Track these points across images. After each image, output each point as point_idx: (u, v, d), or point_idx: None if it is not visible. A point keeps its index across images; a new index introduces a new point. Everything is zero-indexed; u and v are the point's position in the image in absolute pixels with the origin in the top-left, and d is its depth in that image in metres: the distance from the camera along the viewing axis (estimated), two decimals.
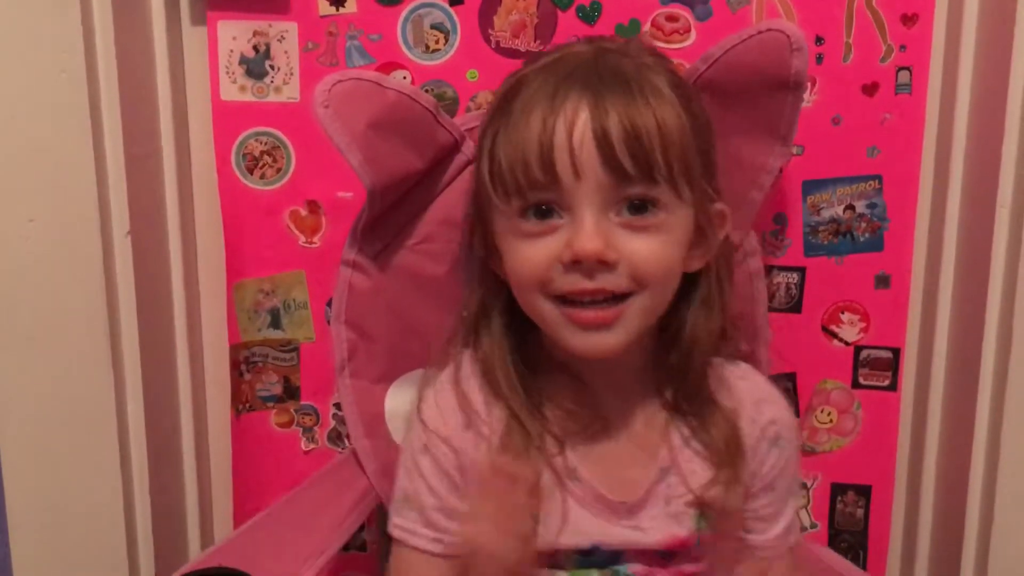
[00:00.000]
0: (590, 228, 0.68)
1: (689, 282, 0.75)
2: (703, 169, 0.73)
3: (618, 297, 0.70)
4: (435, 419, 0.77)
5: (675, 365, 0.77)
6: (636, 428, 0.77)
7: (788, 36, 0.82)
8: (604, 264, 0.68)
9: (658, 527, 0.75)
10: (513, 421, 0.75)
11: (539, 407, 0.76)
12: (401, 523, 0.77)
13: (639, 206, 0.70)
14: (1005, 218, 0.92)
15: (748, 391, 0.79)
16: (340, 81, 0.83)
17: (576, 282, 0.69)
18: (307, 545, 0.87)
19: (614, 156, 0.68)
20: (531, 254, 0.70)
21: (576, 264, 0.68)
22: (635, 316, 0.71)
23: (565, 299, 0.70)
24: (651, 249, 0.70)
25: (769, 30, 0.84)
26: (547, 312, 0.72)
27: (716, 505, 0.74)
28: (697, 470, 0.75)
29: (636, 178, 0.68)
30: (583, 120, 0.68)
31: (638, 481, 0.75)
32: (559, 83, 0.70)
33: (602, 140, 0.67)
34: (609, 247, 0.68)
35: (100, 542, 1.00)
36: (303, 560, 0.84)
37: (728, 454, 0.75)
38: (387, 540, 0.98)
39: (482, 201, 0.76)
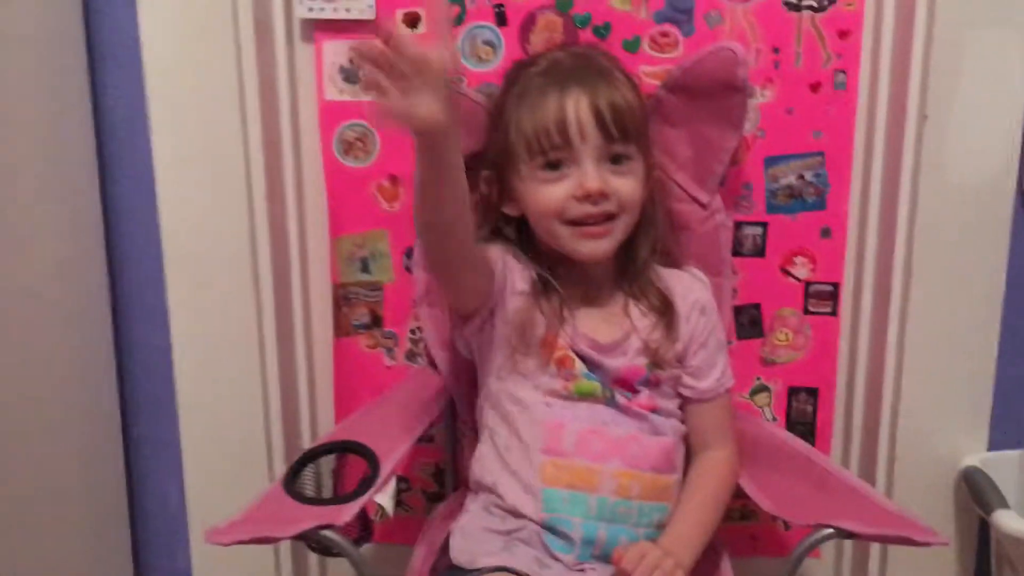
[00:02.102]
0: (593, 174, 1.01)
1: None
2: (648, 136, 1.07)
3: (609, 218, 1.02)
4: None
5: (629, 264, 1.09)
6: (606, 305, 1.09)
7: (735, 53, 1.11)
8: (603, 196, 1.01)
9: (619, 362, 1.06)
10: (540, 280, 1.06)
11: (555, 287, 1.07)
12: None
13: (617, 159, 1.03)
14: (907, 188, 1.20)
15: (678, 280, 1.11)
16: None
17: (585, 209, 1.01)
18: (398, 429, 1.12)
19: (605, 126, 1.01)
20: (551, 193, 1.01)
21: (586, 197, 1.00)
22: (619, 231, 1.04)
23: (575, 222, 1.01)
24: (629, 186, 1.03)
25: (723, 48, 1.12)
26: (562, 232, 1.03)
27: (657, 347, 1.06)
28: (646, 330, 1.07)
29: (618, 140, 1.01)
30: (584, 104, 1.01)
31: (610, 335, 1.07)
32: (563, 79, 1.02)
33: (598, 116, 1.01)
34: (606, 185, 1.01)
35: (245, 427, 1.30)
36: (396, 437, 1.09)
37: (663, 311, 1.07)
38: (451, 434, 1.26)
39: (501, 160, 1.06)
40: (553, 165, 1.02)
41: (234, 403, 1.31)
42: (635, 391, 1.06)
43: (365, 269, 1.31)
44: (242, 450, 1.31)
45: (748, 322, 1.31)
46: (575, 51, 1.09)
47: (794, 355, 1.32)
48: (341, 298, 1.33)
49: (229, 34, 1.20)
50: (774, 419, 1.34)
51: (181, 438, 1.33)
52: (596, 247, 1.04)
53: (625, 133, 1.01)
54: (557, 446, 1.03)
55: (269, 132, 1.25)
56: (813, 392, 1.33)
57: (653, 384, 1.07)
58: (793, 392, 1.33)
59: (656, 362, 1.07)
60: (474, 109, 1.14)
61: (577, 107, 1.00)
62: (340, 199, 1.29)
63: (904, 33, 1.19)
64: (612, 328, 1.08)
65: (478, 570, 1.00)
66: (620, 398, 1.05)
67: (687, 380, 1.10)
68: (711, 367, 1.10)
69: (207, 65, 1.21)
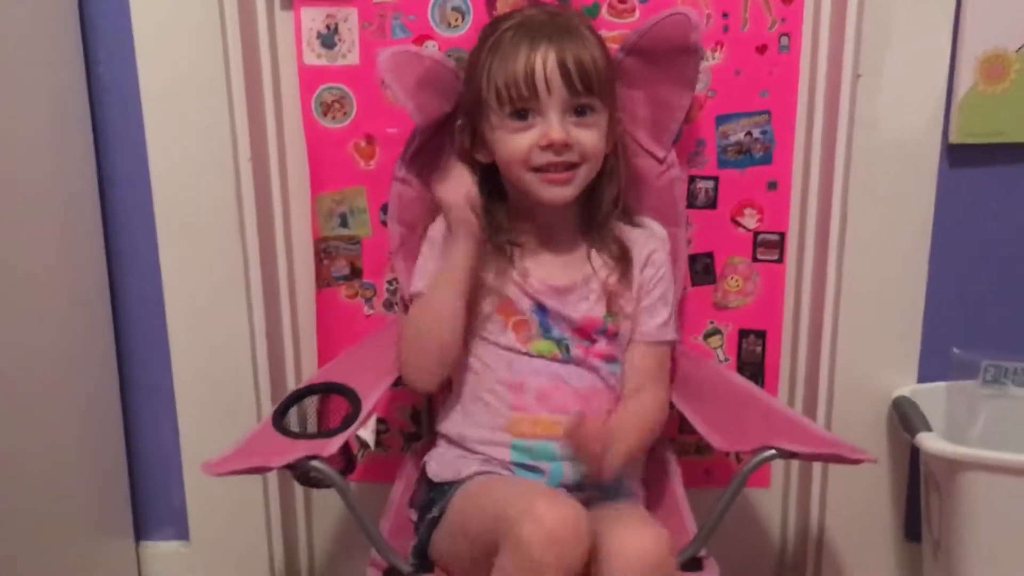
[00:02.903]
0: (557, 125, 1.08)
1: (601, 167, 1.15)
2: (613, 91, 1.13)
3: (571, 167, 1.09)
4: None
5: (592, 214, 1.16)
6: (569, 252, 1.17)
7: (689, 17, 1.17)
8: (566, 146, 1.08)
9: (580, 309, 1.14)
10: (488, 243, 1.13)
11: (508, 235, 1.15)
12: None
13: (582, 111, 1.10)
14: (843, 143, 1.27)
15: (637, 235, 1.19)
16: (395, 53, 1.15)
17: (549, 158, 1.08)
18: (377, 372, 1.19)
19: (571, 80, 1.08)
20: (518, 142, 1.09)
21: (549, 147, 1.08)
22: (581, 179, 1.11)
23: (539, 169, 1.09)
24: (591, 137, 1.10)
25: (677, 13, 1.18)
26: (528, 178, 1.10)
27: (613, 290, 1.14)
28: (606, 275, 1.15)
29: (582, 93, 1.08)
30: (552, 58, 1.07)
31: (569, 278, 1.15)
32: (533, 35, 1.09)
33: (563, 70, 1.08)
34: (569, 136, 1.08)
35: (234, 372, 1.38)
36: (375, 379, 1.17)
37: (622, 257, 1.15)
38: None
39: (474, 110, 1.13)
40: (521, 114, 1.09)
41: (223, 350, 1.38)
42: (593, 340, 1.14)
43: (344, 224, 1.38)
44: (231, 393, 1.39)
45: (702, 269, 1.39)
46: (549, 9, 1.15)
47: (744, 300, 1.40)
48: (322, 251, 1.40)
49: (214, 3, 1.26)
50: (726, 360, 1.43)
51: (174, 383, 1.41)
52: (558, 192, 1.11)
53: (589, 87, 1.08)
54: (520, 402, 1.11)
55: (252, 95, 1.31)
56: (761, 334, 1.42)
57: (610, 335, 1.15)
58: (743, 334, 1.42)
59: (612, 310, 1.14)
60: (443, 72, 1.19)
61: (544, 61, 1.06)
62: (319, 158, 1.36)
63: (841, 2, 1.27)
64: (572, 272, 1.15)
65: (468, 477, 1.09)
66: (576, 351, 1.13)
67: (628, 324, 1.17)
68: (652, 315, 1.17)
69: (194, 32, 1.28)
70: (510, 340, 1.14)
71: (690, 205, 1.35)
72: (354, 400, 1.12)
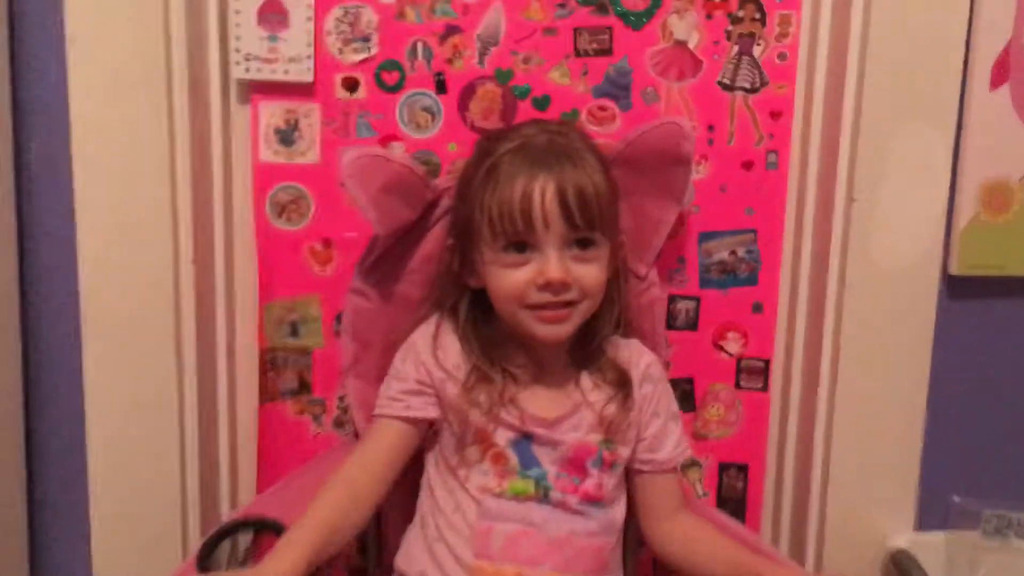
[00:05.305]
0: (555, 262, 1.00)
1: None
2: (616, 217, 1.07)
3: (569, 303, 1.02)
4: (417, 344, 1.09)
5: (588, 340, 1.09)
6: (559, 379, 1.09)
7: (681, 126, 1.13)
8: (564, 286, 1.01)
9: (571, 438, 1.06)
10: (477, 371, 1.06)
11: (497, 363, 1.07)
12: (380, 404, 1.09)
13: (583, 244, 1.03)
14: (835, 268, 1.24)
15: (632, 352, 1.12)
16: (360, 156, 1.09)
17: (546, 297, 1.01)
18: None
19: (571, 215, 1.01)
20: (513, 279, 1.01)
21: (547, 286, 1.00)
22: (579, 316, 1.04)
23: (534, 306, 1.01)
24: (592, 273, 1.03)
25: (669, 122, 1.15)
26: (522, 316, 1.03)
27: (611, 419, 1.06)
28: (600, 403, 1.07)
29: (583, 228, 1.01)
30: (551, 190, 1.00)
31: (557, 410, 1.07)
32: (531, 162, 1.02)
33: (563, 204, 1.00)
34: (568, 275, 1.01)
35: (160, 498, 1.27)
36: None
37: (619, 384, 1.08)
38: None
39: (466, 236, 1.07)
40: (517, 247, 1.02)
41: (148, 472, 1.28)
42: (585, 474, 1.06)
43: (294, 333, 1.31)
44: (154, 523, 1.28)
45: (681, 396, 1.31)
46: (549, 128, 1.09)
47: (726, 431, 1.34)
48: (268, 363, 1.31)
49: (162, 92, 1.20)
50: (705, 494, 1.36)
51: (90, 507, 1.29)
52: (554, 331, 1.04)
53: (590, 221, 1.01)
54: (486, 550, 1.03)
55: (199, 191, 1.24)
56: (743, 468, 1.35)
57: (606, 465, 1.07)
58: (724, 467, 1.35)
59: (610, 437, 1.07)
60: (411, 178, 1.14)
61: (543, 194, 1.00)
62: (271, 262, 1.29)
63: (833, 117, 1.24)
64: (561, 402, 1.08)
65: None
66: (556, 493, 1.05)
67: (643, 454, 1.10)
68: (666, 436, 1.11)
69: (136, 123, 1.20)
70: (485, 476, 1.05)
71: (670, 326, 1.30)
72: None
